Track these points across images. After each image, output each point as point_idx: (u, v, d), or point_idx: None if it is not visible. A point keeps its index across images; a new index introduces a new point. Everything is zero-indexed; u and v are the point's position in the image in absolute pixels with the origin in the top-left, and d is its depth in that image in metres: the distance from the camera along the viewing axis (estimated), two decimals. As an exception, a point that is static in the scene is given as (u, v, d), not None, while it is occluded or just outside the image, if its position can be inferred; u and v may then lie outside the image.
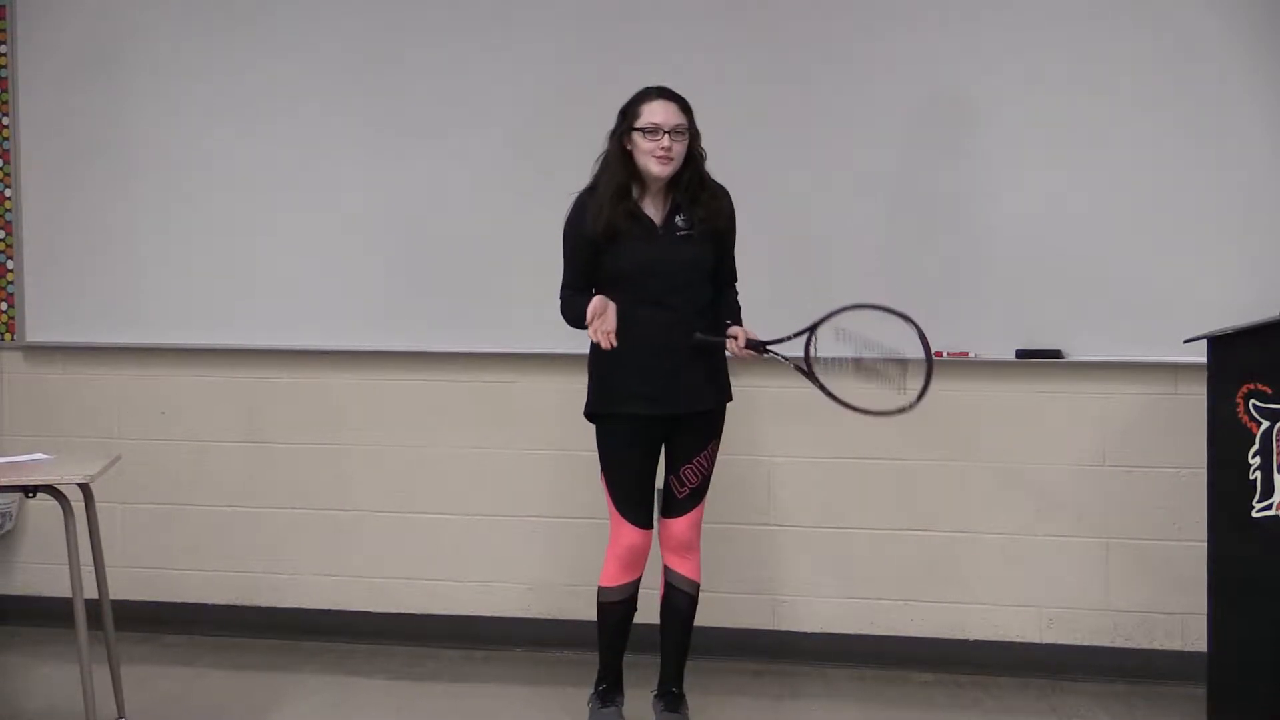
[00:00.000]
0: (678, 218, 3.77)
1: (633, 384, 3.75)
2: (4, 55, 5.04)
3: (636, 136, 3.71)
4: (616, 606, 3.85)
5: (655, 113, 3.70)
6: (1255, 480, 3.86)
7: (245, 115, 4.89)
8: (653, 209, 3.78)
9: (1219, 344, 3.92)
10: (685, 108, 3.75)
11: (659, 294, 3.72)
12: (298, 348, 4.90)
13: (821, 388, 3.72)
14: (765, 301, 4.54)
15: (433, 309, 4.78)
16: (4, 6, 5.03)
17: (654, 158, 3.69)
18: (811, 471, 4.65)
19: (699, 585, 3.90)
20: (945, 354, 4.51)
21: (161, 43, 4.94)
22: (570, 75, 4.67)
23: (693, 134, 3.76)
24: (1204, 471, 3.97)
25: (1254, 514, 3.87)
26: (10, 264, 5.08)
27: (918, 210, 4.52)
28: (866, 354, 3.69)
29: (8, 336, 5.10)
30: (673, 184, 3.77)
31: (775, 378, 4.64)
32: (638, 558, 3.82)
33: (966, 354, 4.50)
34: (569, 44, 4.68)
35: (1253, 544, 3.86)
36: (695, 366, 3.77)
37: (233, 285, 4.91)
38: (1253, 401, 3.86)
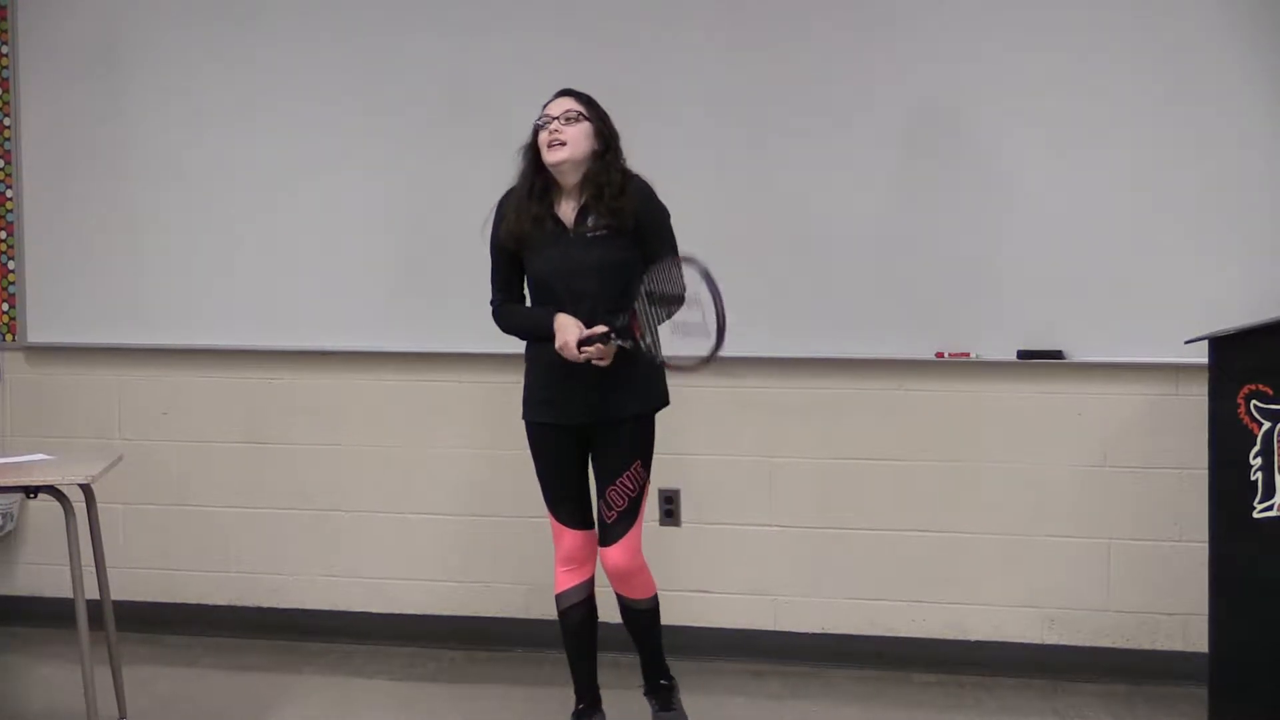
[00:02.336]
0: (588, 218, 3.69)
1: (546, 391, 3.74)
2: (5, 55, 5.05)
3: (539, 136, 3.70)
4: (573, 610, 3.80)
5: (548, 107, 3.73)
6: (1256, 481, 3.86)
7: (246, 115, 4.89)
8: (566, 210, 3.73)
9: (1220, 344, 3.92)
10: (585, 101, 3.73)
11: (566, 297, 3.66)
12: (298, 348, 4.90)
13: (645, 353, 3.57)
14: (765, 302, 4.56)
15: (433, 309, 4.78)
16: (4, 7, 5.03)
17: (547, 146, 3.67)
18: (811, 471, 4.65)
19: (655, 597, 3.86)
20: (947, 354, 4.52)
21: (163, 43, 4.95)
22: (571, 75, 4.64)
23: (600, 130, 3.71)
24: (1205, 472, 3.97)
25: (1255, 514, 3.87)
26: (11, 264, 5.08)
27: (918, 211, 4.52)
28: (678, 315, 3.59)
29: (9, 337, 5.10)
30: (585, 183, 3.70)
31: (778, 377, 4.65)
32: (582, 557, 3.80)
33: (968, 355, 4.50)
34: (570, 43, 4.68)
35: (1254, 544, 3.86)
36: (612, 376, 3.64)
37: (233, 285, 4.92)
38: (1254, 402, 3.86)
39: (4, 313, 5.10)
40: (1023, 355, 4.47)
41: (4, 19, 5.04)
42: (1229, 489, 3.88)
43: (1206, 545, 3.97)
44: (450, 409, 4.85)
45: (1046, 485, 4.52)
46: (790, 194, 4.56)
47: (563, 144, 3.66)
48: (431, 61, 4.76)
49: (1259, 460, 3.86)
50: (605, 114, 3.75)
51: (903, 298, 4.53)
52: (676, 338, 3.57)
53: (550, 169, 3.69)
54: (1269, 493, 3.85)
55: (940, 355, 4.53)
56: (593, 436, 3.76)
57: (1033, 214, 4.45)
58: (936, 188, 4.50)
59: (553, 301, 3.69)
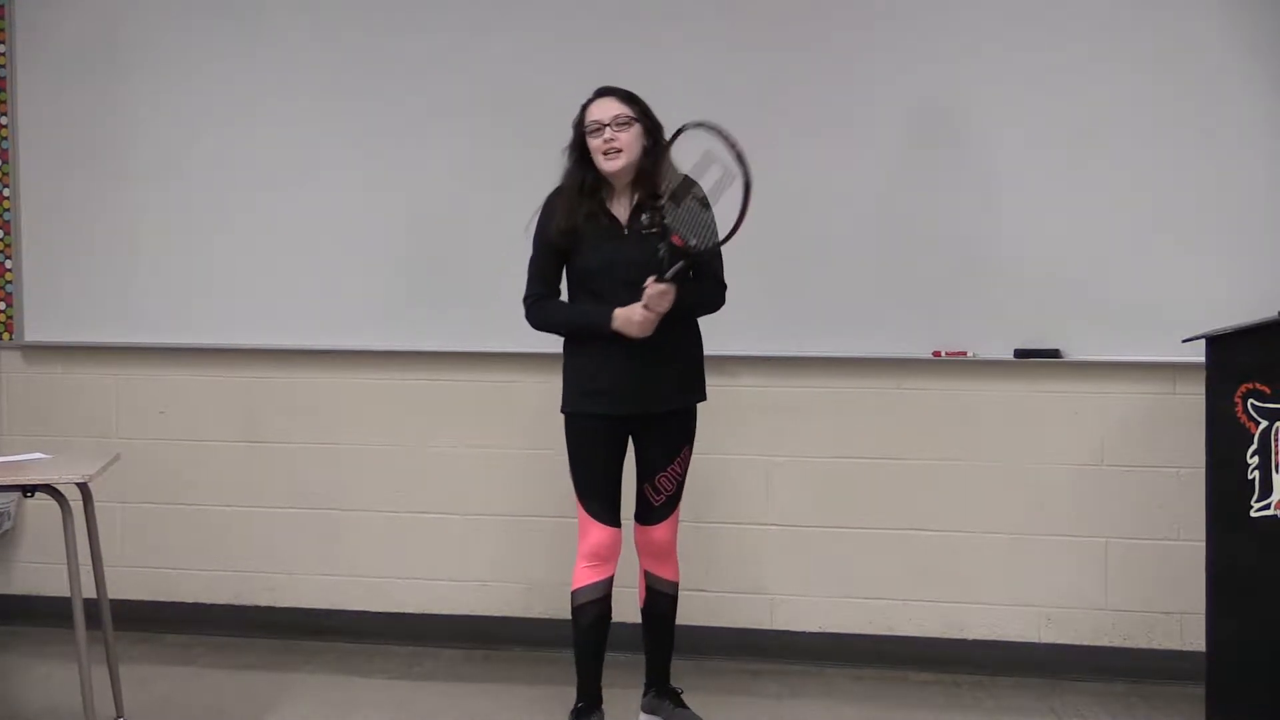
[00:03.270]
0: (642, 215, 3.73)
1: (595, 382, 3.75)
2: (2, 55, 5.04)
3: (588, 139, 3.73)
4: (590, 607, 3.79)
5: (594, 111, 3.73)
6: (1254, 480, 3.87)
7: (244, 114, 4.89)
8: (619, 208, 3.77)
9: (1217, 344, 3.92)
10: (628, 99, 3.75)
11: (615, 293, 3.69)
12: (297, 347, 4.90)
13: (702, 250, 3.62)
14: (763, 301, 4.56)
15: (433, 309, 4.78)
16: (2, 6, 5.03)
17: (601, 154, 3.70)
18: (810, 471, 4.65)
19: (678, 584, 3.94)
20: (944, 353, 4.52)
21: (161, 42, 4.94)
22: (571, 74, 4.65)
23: (647, 126, 3.74)
24: (1202, 471, 3.97)
25: (1252, 513, 3.87)
26: (9, 263, 5.07)
27: (916, 210, 4.52)
28: (698, 191, 3.65)
29: (6, 336, 5.10)
30: (636, 181, 3.75)
31: (776, 377, 4.65)
32: (607, 556, 3.80)
33: (965, 354, 4.51)
34: (570, 43, 4.68)
35: (1251, 543, 3.86)
36: (662, 367, 3.74)
37: (233, 284, 4.91)
38: (1251, 401, 3.86)
39: (2, 311, 5.10)
40: (1020, 354, 4.47)
41: (1, 17, 5.03)
42: (1226, 488, 3.88)
43: (1204, 544, 3.96)
44: (450, 409, 4.85)
45: (1044, 484, 4.53)
46: (788, 193, 4.56)
47: (619, 151, 3.69)
48: (431, 61, 4.76)
49: (1256, 459, 3.86)
50: (647, 107, 3.78)
51: (900, 297, 4.54)
52: (715, 201, 3.61)
53: (607, 173, 3.72)
54: (1266, 491, 3.85)
55: (937, 354, 4.53)
56: (637, 429, 3.80)
57: (1030, 213, 4.46)
58: (934, 187, 4.51)
59: (599, 297, 3.72)
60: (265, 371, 4.95)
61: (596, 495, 3.78)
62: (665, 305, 3.63)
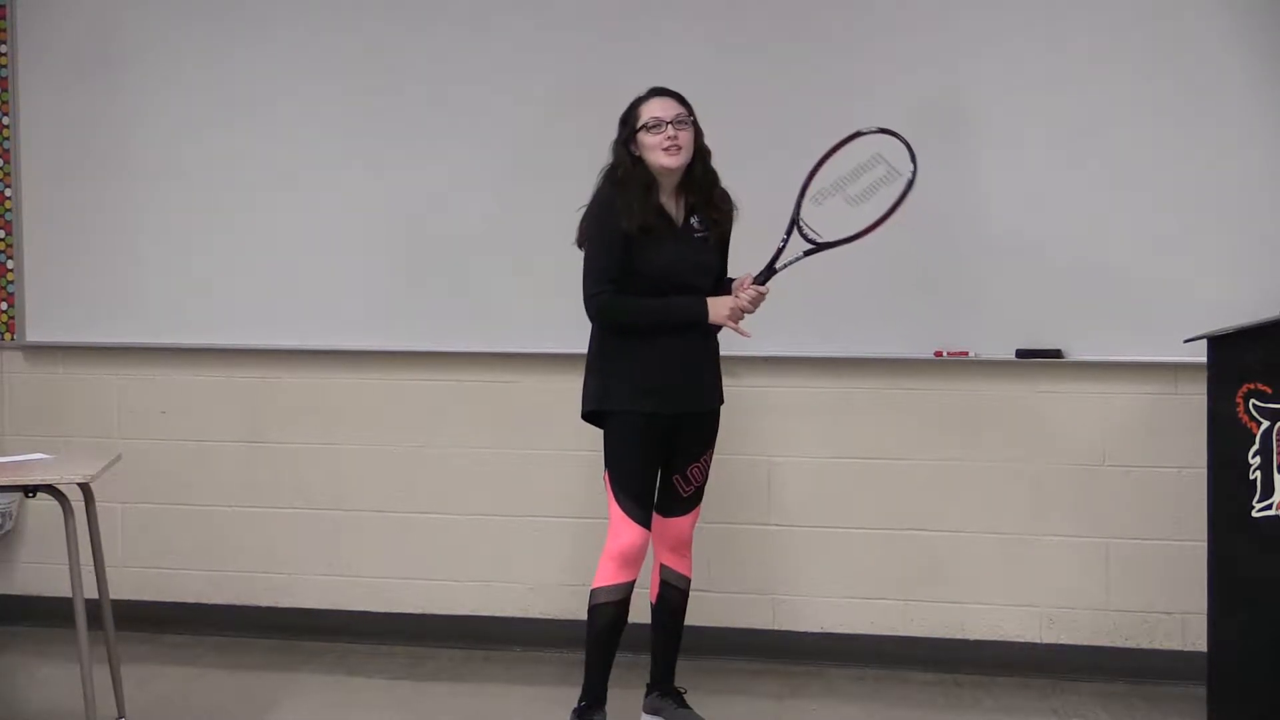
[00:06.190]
0: (693, 218, 3.80)
1: (649, 381, 3.75)
2: (4, 55, 5.04)
3: (642, 136, 3.72)
4: (610, 607, 3.78)
5: (654, 108, 3.74)
6: (1255, 480, 3.86)
7: (245, 114, 4.89)
8: (670, 208, 3.79)
9: (1219, 344, 3.92)
10: (683, 101, 3.78)
11: (679, 293, 3.75)
12: (298, 348, 4.90)
13: (841, 242, 3.77)
14: (765, 301, 4.55)
15: (433, 309, 4.78)
16: (4, 6, 5.03)
17: (662, 150, 3.70)
18: (811, 471, 4.65)
19: (691, 581, 3.96)
20: (945, 353, 4.52)
21: (162, 42, 4.95)
22: (570, 75, 4.67)
23: (699, 130, 3.79)
24: (1204, 471, 3.97)
25: (1254, 514, 3.87)
26: (10, 263, 5.08)
27: (917, 210, 4.50)
28: (851, 189, 3.81)
29: (8, 336, 5.10)
30: (684, 184, 3.79)
31: (777, 377, 4.65)
32: (637, 558, 3.79)
33: (966, 353, 4.51)
34: (569, 44, 4.68)
35: (1253, 544, 3.86)
36: (705, 367, 3.84)
37: (233, 284, 4.91)
38: (1253, 401, 3.86)
39: (3, 311, 5.10)
40: (1021, 354, 4.47)
41: (3, 18, 5.04)
42: (1228, 488, 3.88)
43: (1205, 544, 3.97)
44: (450, 409, 4.85)
45: (1045, 484, 4.52)
46: (789, 193, 4.55)
47: (679, 149, 3.72)
48: (431, 61, 4.76)
49: (1257, 459, 3.86)
50: (692, 108, 3.82)
51: (901, 297, 4.54)
52: (866, 200, 3.77)
53: (659, 171, 3.74)
54: (1267, 492, 3.85)
55: (939, 354, 4.53)
56: (679, 427, 3.82)
57: (1032, 212, 4.45)
58: (935, 186, 4.48)
59: (661, 294, 3.74)
60: (266, 371, 4.95)
61: (637, 495, 3.77)
62: (758, 306, 3.74)
